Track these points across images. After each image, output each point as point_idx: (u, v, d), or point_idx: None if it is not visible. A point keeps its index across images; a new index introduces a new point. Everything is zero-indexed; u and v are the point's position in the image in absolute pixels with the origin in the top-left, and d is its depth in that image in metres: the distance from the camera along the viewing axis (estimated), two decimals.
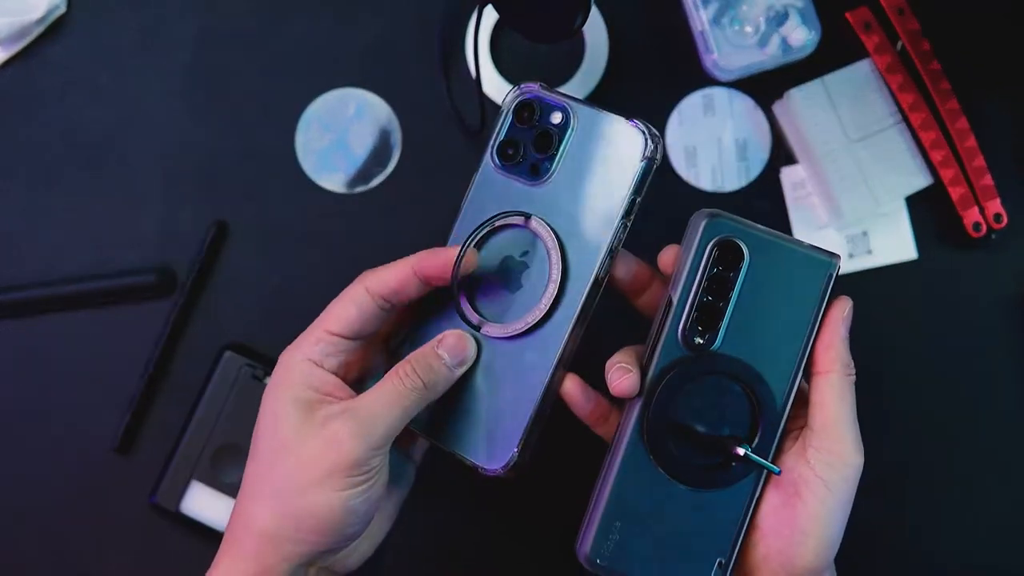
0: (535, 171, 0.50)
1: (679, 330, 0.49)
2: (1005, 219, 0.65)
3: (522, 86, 0.51)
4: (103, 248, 0.66)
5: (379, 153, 0.67)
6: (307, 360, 0.49)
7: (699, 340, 0.49)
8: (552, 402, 0.50)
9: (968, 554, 0.65)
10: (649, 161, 0.49)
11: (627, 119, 0.49)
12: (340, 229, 0.67)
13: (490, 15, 0.67)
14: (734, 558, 0.49)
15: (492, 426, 0.50)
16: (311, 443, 0.47)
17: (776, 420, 0.49)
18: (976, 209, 0.65)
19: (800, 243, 0.50)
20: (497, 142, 0.51)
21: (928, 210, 0.66)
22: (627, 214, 0.49)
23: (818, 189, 0.66)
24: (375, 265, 0.51)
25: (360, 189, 0.67)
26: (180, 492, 0.63)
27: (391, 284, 0.49)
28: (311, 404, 0.48)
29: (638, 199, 0.49)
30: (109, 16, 0.67)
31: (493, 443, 0.50)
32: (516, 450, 0.49)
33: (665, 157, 0.67)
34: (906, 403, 0.66)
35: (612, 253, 0.49)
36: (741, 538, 0.49)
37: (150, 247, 0.66)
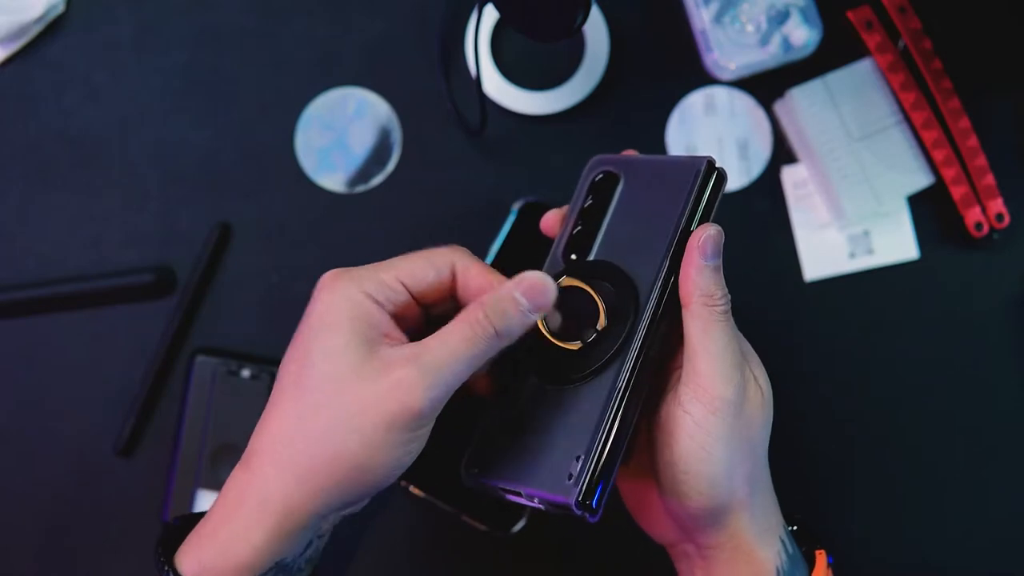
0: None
1: (559, 249, 0.51)
2: (1007, 219, 0.65)
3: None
4: (101, 248, 0.66)
5: (379, 152, 0.67)
6: (368, 296, 0.45)
7: (573, 256, 0.51)
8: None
9: (969, 554, 0.65)
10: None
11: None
12: (340, 229, 0.66)
13: (490, 14, 0.66)
14: (595, 451, 0.45)
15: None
16: (372, 386, 0.42)
17: (640, 309, 0.47)
18: (978, 208, 0.65)
19: (677, 156, 0.51)
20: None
21: (930, 209, 0.66)
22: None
23: (820, 188, 0.66)
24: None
25: (360, 189, 0.67)
26: (189, 504, 0.63)
27: (473, 288, 0.47)
28: (372, 342, 0.44)
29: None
30: (108, 15, 0.67)
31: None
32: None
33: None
34: (907, 403, 0.66)
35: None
36: (605, 431, 0.46)
37: (149, 247, 0.66)
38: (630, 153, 0.53)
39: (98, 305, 0.66)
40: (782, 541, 0.49)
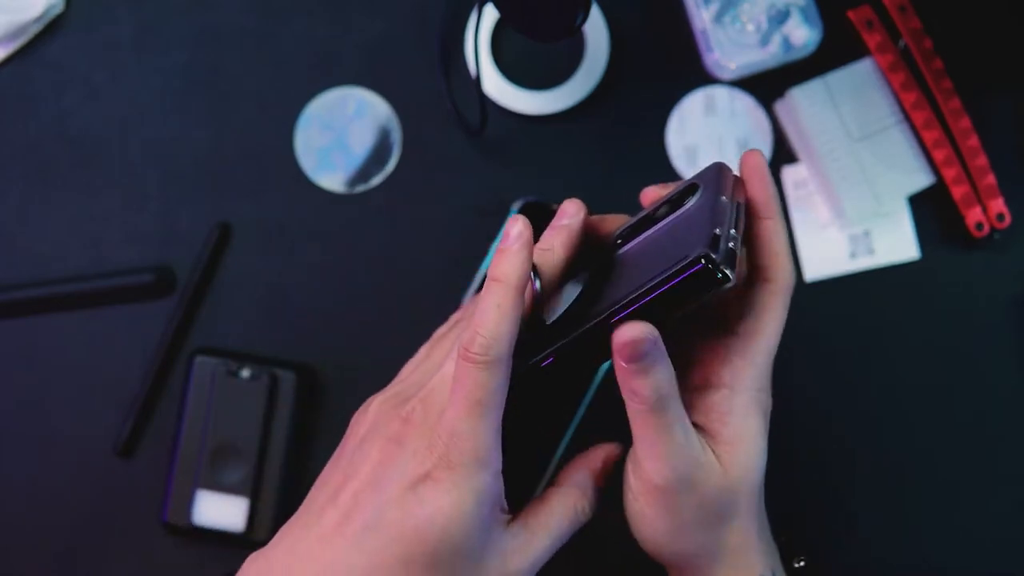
0: None
1: (624, 227, 0.50)
2: (1008, 218, 0.65)
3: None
4: (101, 247, 0.66)
5: (379, 152, 0.67)
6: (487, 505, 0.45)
7: (620, 241, 0.49)
8: None
9: (970, 553, 0.65)
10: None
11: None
12: (339, 229, 0.66)
13: (490, 14, 0.66)
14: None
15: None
16: None
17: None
18: (979, 208, 0.65)
19: (701, 219, 0.44)
20: None
21: (930, 209, 0.66)
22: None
23: (820, 188, 0.66)
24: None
25: (360, 188, 0.67)
26: (188, 505, 0.63)
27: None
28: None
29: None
30: (107, 14, 0.67)
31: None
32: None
33: (666, 157, 0.66)
34: (908, 403, 0.66)
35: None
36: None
37: (148, 246, 0.66)
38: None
39: (98, 305, 0.66)
40: (769, 558, 0.50)
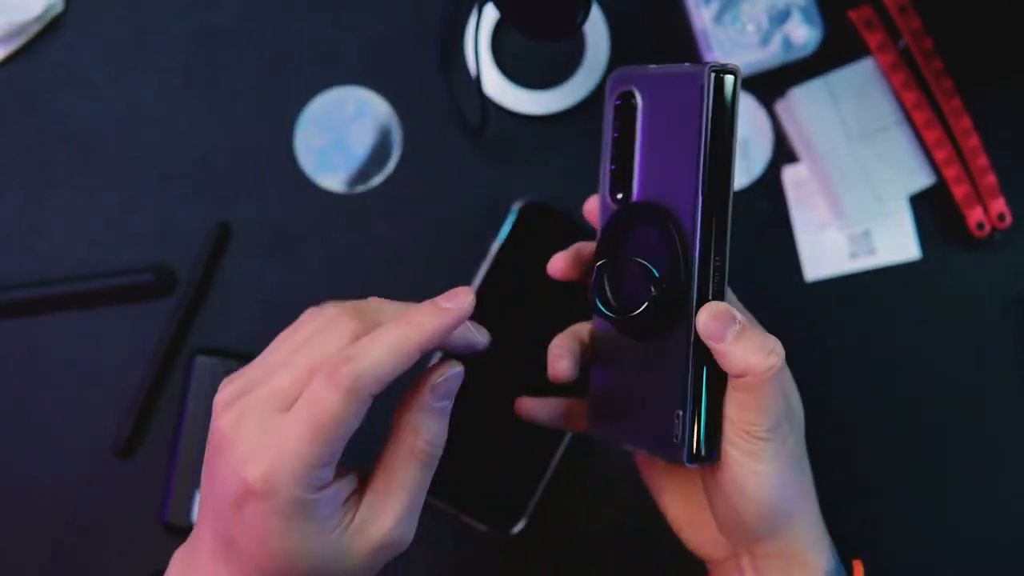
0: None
1: (605, 191, 0.49)
2: (1009, 218, 0.64)
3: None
4: (100, 247, 0.66)
5: (379, 153, 0.67)
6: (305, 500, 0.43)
7: (620, 195, 0.48)
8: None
9: (969, 553, 0.65)
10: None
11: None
12: (339, 229, 0.66)
13: (490, 14, 0.66)
14: (689, 407, 0.45)
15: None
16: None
17: (688, 251, 0.45)
18: (979, 208, 0.65)
19: (680, 66, 0.46)
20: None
21: (931, 209, 0.66)
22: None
23: (820, 188, 0.66)
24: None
25: (360, 189, 0.67)
26: (188, 505, 0.63)
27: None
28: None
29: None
30: (106, 14, 0.67)
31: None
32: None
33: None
34: (908, 403, 0.66)
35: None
36: (692, 387, 0.45)
37: (148, 246, 0.66)
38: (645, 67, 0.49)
39: (98, 305, 0.66)
40: (830, 547, 0.50)
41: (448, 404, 0.45)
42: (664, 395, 0.46)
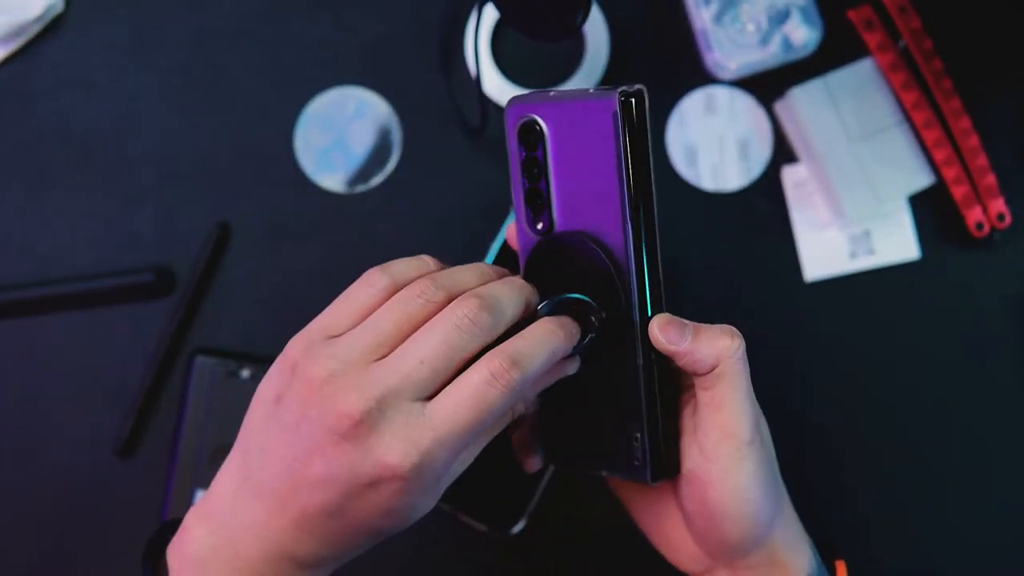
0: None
1: (524, 220, 0.49)
2: (1008, 218, 0.65)
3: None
4: (100, 248, 0.66)
5: (379, 153, 0.67)
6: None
7: (540, 225, 0.48)
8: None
9: (969, 554, 0.65)
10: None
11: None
12: (339, 229, 0.66)
13: (490, 14, 0.66)
14: (647, 427, 0.46)
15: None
16: None
17: (625, 275, 0.46)
18: (979, 208, 0.65)
19: (584, 93, 0.46)
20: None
21: (931, 210, 0.66)
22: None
23: (820, 188, 0.66)
24: (373, 264, 0.48)
25: (360, 189, 0.67)
26: (188, 505, 0.63)
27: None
28: None
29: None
30: (107, 14, 0.67)
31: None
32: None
33: (666, 157, 0.66)
34: (907, 403, 0.66)
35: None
36: (646, 406, 0.46)
37: (148, 247, 0.66)
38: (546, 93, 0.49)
39: (98, 305, 0.66)
40: (811, 549, 0.49)
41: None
42: (619, 419, 0.47)
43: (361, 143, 0.67)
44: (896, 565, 0.65)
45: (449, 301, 0.44)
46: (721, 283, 0.66)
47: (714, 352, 0.45)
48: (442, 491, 0.45)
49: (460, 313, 0.43)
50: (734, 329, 0.46)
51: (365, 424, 0.42)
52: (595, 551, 0.65)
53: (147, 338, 0.65)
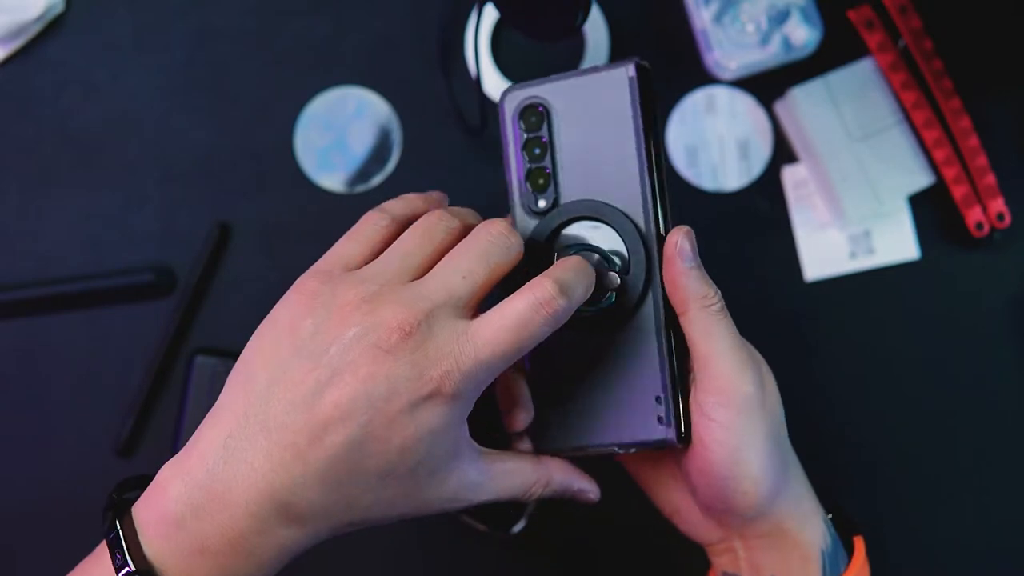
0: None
1: (519, 207, 0.50)
2: (1008, 218, 0.65)
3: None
4: (100, 247, 0.66)
5: (379, 152, 0.67)
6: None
7: (543, 204, 0.49)
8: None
9: (968, 554, 0.65)
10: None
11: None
12: (340, 229, 0.66)
13: (490, 14, 0.66)
14: (670, 385, 0.47)
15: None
16: None
17: (641, 237, 0.47)
18: (979, 208, 0.65)
19: (593, 68, 0.49)
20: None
21: (930, 209, 0.66)
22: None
23: (820, 188, 0.66)
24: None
25: (360, 188, 0.67)
26: None
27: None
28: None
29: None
30: (107, 14, 0.67)
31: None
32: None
33: (666, 157, 0.66)
34: (908, 403, 0.66)
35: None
36: (667, 365, 0.47)
37: (148, 246, 0.66)
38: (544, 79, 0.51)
39: (98, 305, 0.66)
40: (824, 523, 0.49)
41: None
42: (637, 381, 0.47)
43: (361, 143, 0.67)
44: (894, 564, 0.65)
45: (466, 230, 0.46)
46: (721, 283, 0.66)
47: (703, 287, 0.46)
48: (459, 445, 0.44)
49: (494, 231, 0.45)
50: (712, 283, 0.47)
51: (414, 337, 0.41)
52: (595, 551, 0.65)
53: (147, 338, 0.65)
